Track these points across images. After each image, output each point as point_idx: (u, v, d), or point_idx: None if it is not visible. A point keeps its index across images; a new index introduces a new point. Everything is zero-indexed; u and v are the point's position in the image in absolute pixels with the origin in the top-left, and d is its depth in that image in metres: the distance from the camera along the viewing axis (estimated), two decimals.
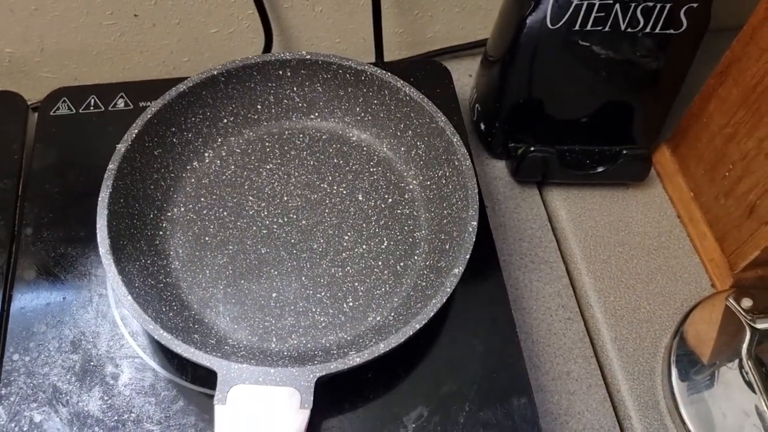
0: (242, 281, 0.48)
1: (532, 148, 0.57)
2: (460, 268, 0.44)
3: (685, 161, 0.59)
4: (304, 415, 0.39)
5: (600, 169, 0.58)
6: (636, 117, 0.58)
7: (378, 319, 0.47)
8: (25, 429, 0.42)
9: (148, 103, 0.55)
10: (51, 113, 0.55)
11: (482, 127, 0.61)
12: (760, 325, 0.51)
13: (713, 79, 0.54)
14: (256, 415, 0.39)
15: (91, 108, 0.56)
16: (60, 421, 0.43)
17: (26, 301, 0.47)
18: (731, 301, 0.52)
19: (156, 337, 0.40)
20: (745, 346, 0.50)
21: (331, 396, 0.44)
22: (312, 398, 0.40)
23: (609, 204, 0.60)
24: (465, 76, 0.68)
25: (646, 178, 0.59)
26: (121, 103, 0.56)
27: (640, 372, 0.52)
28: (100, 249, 0.43)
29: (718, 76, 0.53)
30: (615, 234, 0.58)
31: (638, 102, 0.57)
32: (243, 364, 0.40)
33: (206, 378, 0.44)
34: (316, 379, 0.40)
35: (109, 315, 0.47)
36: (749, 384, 0.49)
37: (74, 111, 0.55)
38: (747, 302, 0.52)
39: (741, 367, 0.50)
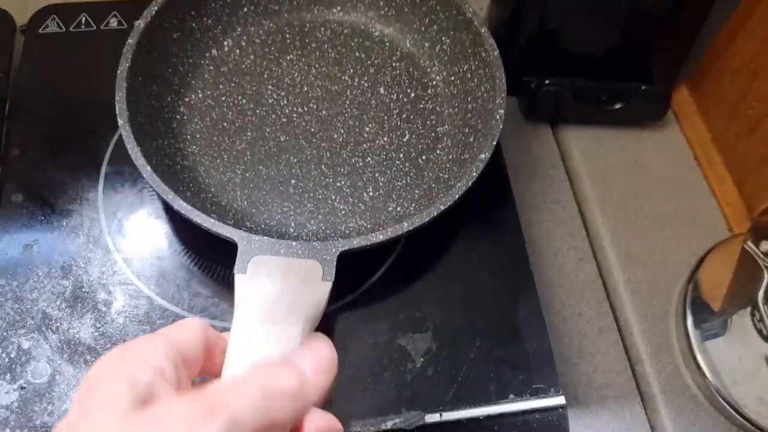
0: (261, 167, 0.47)
1: (546, 81, 0.54)
2: (487, 153, 0.42)
3: (704, 101, 0.57)
4: (325, 287, 0.37)
5: (616, 106, 0.55)
6: (655, 53, 0.55)
7: (399, 209, 0.46)
8: (12, 356, 0.40)
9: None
10: (39, 31, 0.52)
11: None
12: None
13: (739, 13, 0.51)
14: (276, 285, 0.36)
15: (82, 26, 0.53)
16: (50, 348, 0.40)
17: (13, 224, 0.44)
18: (750, 244, 0.50)
19: (176, 207, 0.38)
20: (762, 290, 0.49)
21: (340, 318, 0.43)
22: (334, 272, 0.37)
23: (624, 144, 0.57)
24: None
25: (663, 117, 0.57)
26: (114, 22, 0.53)
27: (654, 315, 0.50)
28: (118, 120, 0.41)
29: (744, 9, 0.51)
30: (630, 175, 0.56)
31: (658, 37, 0.54)
32: (264, 237, 0.38)
33: (203, 307, 0.42)
34: (338, 254, 0.38)
35: (101, 240, 0.44)
36: (760, 331, 0.47)
37: (64, 29, 0.52)
38: (766, 245, 0.50)
39: (753, 314, 0.48)
